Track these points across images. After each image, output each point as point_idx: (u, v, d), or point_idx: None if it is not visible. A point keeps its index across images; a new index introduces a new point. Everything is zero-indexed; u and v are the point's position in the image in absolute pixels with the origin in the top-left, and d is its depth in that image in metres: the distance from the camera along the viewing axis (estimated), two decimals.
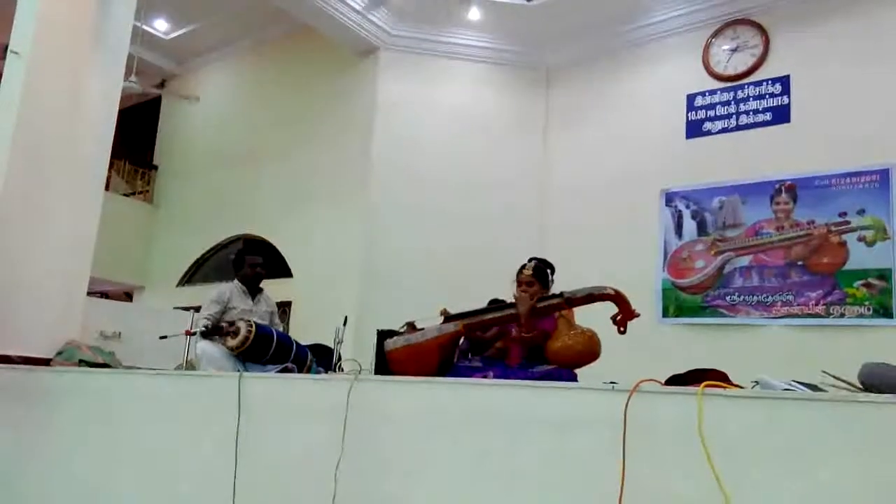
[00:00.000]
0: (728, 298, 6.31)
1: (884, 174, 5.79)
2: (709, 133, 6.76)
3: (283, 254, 8.15)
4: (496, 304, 3.67)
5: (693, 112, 6.88)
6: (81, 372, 3.96)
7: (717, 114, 6.74)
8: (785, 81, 6.44)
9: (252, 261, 4.65)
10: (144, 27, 8.78)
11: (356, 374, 2.90)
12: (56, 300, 4.32)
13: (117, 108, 4.90)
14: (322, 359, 4.36)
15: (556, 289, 3.52)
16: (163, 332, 4.22)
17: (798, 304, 5.96)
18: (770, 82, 6.52)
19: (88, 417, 3.68)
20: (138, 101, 10.34)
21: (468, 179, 7.51)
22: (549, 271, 3.64)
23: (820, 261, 5.95)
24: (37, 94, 4.23)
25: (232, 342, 3.96)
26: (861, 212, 5.84)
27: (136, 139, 10.34)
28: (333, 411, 2.79)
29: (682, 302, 6.54)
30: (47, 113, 4.31)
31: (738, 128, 6.60)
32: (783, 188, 6.23)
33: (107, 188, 5.61)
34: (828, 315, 5.82)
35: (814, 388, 2.21)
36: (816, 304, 5.88)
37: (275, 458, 2.99)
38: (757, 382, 2.33)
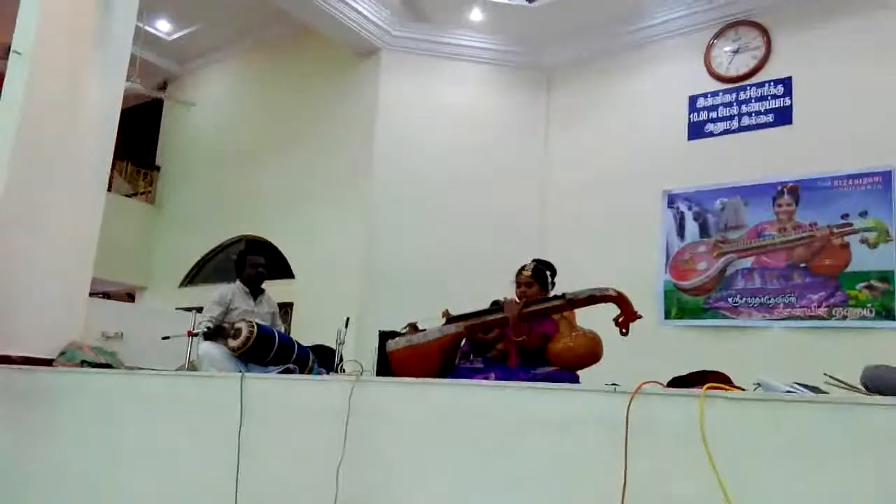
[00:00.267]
0: (730, 300, 6.30)
1: (886, 176, 5.78)
2: (711, 134, 6.76)
3: (284, 255, 8.15)
4: (498, 306, 3.67)
5: (695, 113, 6.88)
6: (83, 372, 3.96)
7: (719, 115, 6.74)
8: (787, 83, 6.43)
9: (254, 261, 4.65)
10: (146, 28, 8.79)
11: (358, 375, 2.90)
12: (58, 301, 4.32)
13: (119, 109, 4.91)
14: (324, 360, 4.36)
15: (557, 290, 3.52)
16: (165, 333, 4.23)
17: (800, 306, 5.95)
18: (772, 84, 6.51)
19: (90, 418, 3.68)
20: (140, 102, 10.35)
21: (469, 180, 7.52)
22: (548, 272, 3.63)
23: (822, 263, 5.94)
24: (39, 94, 4.23)
25: (234, 343, 3.96)
26: (863, 214, 5.84)
27: (139, 140, 10.34)
28: (335, 412, 2.79)
29: (684, 304, 6.54)
30: (49, 113, 4.32)
31: (740, 129, 6.60)
32: (785, 190, 6.23)
33: (109, 189, 5.63)
34: (830, 317, 5.81)
35: (816, 390, 2.21)
36: (818, 307, 5.87)
37: (276, 458, 2.99)
38: (759, 384, 2.33)
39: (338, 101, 8.07)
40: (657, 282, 6.68)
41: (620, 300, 3.11)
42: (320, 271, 7.68)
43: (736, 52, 6.77)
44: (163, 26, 9.30)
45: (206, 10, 8.84)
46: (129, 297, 9.99)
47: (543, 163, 7.74)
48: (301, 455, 2.93)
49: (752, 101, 6.58)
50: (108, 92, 4.78)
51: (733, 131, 6.64)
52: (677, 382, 2.49)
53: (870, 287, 5.69)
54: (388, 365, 3.34)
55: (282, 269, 8.02)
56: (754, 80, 6.62)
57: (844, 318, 5.75)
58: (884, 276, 5.66)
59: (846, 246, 5.86)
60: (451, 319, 3.38)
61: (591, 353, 3.23)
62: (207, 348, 4.16)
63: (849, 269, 5.81)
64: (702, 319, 6.43)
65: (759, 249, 6.27)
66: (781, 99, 6.43)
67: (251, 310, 4.52)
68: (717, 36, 6.89)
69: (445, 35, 7.75)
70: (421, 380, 2.91)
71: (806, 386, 2.21)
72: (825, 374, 2.33)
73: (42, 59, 4.25)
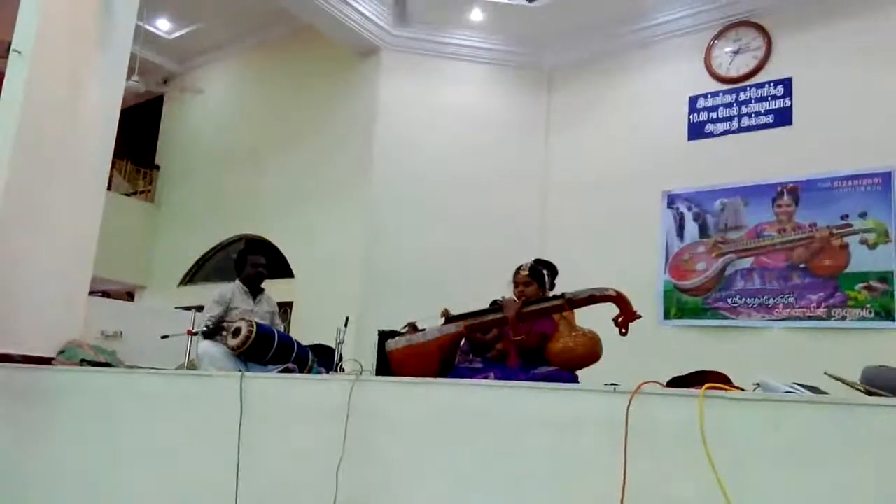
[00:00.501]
0: (729, 300, 6.31)
1: (886, 177, 5.79)
2: (711, 135, 6.76)
3: (284, 254, 8.15)
4: (497, 306, 3.67)
5: (695, 114, 6.89)
6: (83, 371, 3.96)
7: (719, 116, 6.74)
8: (787, 84, 6.44)
9: (254, 261, 4.65)
10: (147, 27, 8.79)
11: (357, 374, 2.89)
12: (58, 299, 4.32)
13: (119, 108, 4.90)
14: (323, 359, 4.37)
15: (556, 290, 3.52)
16: (164, 332, 4.23)
17: (799, 307, 5.95)
18: (772, 84, 6.52)
19: (90, 417, 3.68)
20: (140, 101, 10.35)
21: (469, 180, 7.52)
22: (545, 272, 3.63)
23: (822, 263, 5.94)
24: (39, 93, 4.23)
25: (233, 342, 3.96)
26: (863, 214, 5.84)
27: (139, 139, 10.34)
28: (334, 412, 2.79)
29: (683, 304, 6.54)
30: (49, 112, 4.31)
31: (740, 130, 6.61)
32: (785, 190, 6.23)
33: (109, 188, 5.62)
34: (829, 318, 5.82)
35: (815, 390, 2.21)
36: (818, 307, 5.88)
37: (276, 458, 2.99)
38: (758, 385, 2.33)
39: (338, 101, 8.07)
40: (657, 282, 6.68)
41: (620, 300, 3.11)
42: (320, 271, 7.68)
43: (736, 52, 6.77)
44: (163, 25, 9.30)
45: (207, 9, 8.84)
46: (129, 295, 9.99)
47: (543, 163, 7.74)
48: (300, 454, 2.93)
49: (753, 101, 6.59)
50: (108, 91, 4.78)
51: (733, 132, 6.64)
52: (677, 382, 2.49)
53: (869, 288, 5.70)
54: (388, 364, 3.34)
55: (281, 269, 8.02)
56: (754, 80, 6.63)
57: (844, 318, 5.76)
58: (883, 277, 5.66)
59: (846, 247, 5.87)
60: (450, 319, 3.38)
61: (591, 353, 3.23)
62: (207, 347, 4.16)
63: (848, 269, 5.82)
64: (701, 320, 6.43)
65: (759, 250, 6.27)
66: (781, 100, 6.44)
67: (251, 309, 4.51)
68: (718, 36, 6.89)
69: (446, 35, 7.75)
70: (420, 379, 2.91)
71: (805, 386, 2.21)
72: (825, 373, 2.33)
73: (42, 58, 4.24)
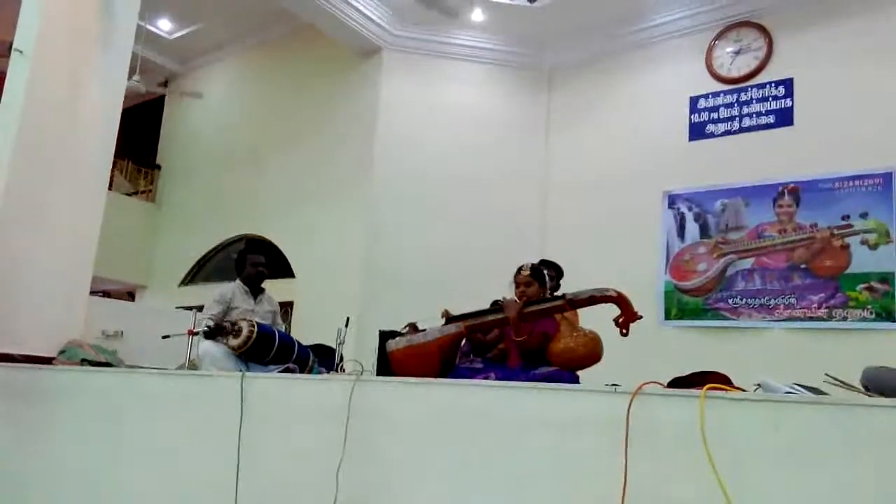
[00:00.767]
0: (730, 301, 6.30)
1: (887, 177, 5.79)
2: (712, 135, 6.76)
3: (285, 254, 8.16)
4: (498, 306, 3.67)
5: (696, 114, 6.88)
6: (83, 371, 3.96)
7: (720, 116, 6.74)
8: (788, 84, 6.44)
9: (254, 260, 4.65)
10: (148, 27, 8.79)
11: (358, 374, 2.90)
12: (58, 299, 4.32)
13: (121, 108, 4.91)
14: (324, 359, 4.37)
15: (560, 290, 3.52)
16: (165, 332, 4.22)
17: (800, 308, 5.95)
18: (773, 85, 6.52)
19: (90, 416, 3.68)
20: (141, 101, 10.35)
21: (470, 180, 7.52)
22: (546, 272, 3.63)
23: (822, 264, 5.94)
24: (40, 92, 4.23)
25: (234, 342, 3.96)
26: (864, 215, 5.84)
27: (140, 139, 10.35)
28: (335, 412, 2.79)
29: (684, 304, 6.54)
30: (51, 112, 4.31)
31: (741, 130, 6.60)
32: (786, 191, 6.23)
33: (110, 187, 5.63)
34: (830, 318, 5.81)
35: (816, 391, 2.21)
36: (819, 308, 5.87)
37: (276, 457, 2.99)
38: (759, 385, 2.33)
39: (339, 101, 8.07)
40: (657, 282, 6.68)
41: (621, 300, 3.11)
42: (321, 271, 7.69)
43: (737, 53, 6.77)
44: (164, 25, 9.31)
45: (208, 9, 8.85)
46: (130, 295, 10.00)
47: (544, 163, 7.74)
48: (301, 454, 2.93)
49: (754, 102, 6.59)
50: (109, 91, 4.78)
51: (734, 132, 6.64)
52: (677, 383, 2.49)
53: (870, 288, 5.70)
54: (388, 364, 3.34)
55: (282, 269, 8.02)
56: (755, 81, 6.63)
57: (845, 319, 5.75)
58: (884, 278, 5.66)
59: (846, 247, 5.87)
60: (450, 319, 3.38)
61: (592, 353, 3.23)
62: (208, 347, 4.15)
63: (849, 270, 5.82)
64: (702, 320, 6.43)
65: (760, 250, 6.27)
66: (782, 100, 6.44)
67: (251, 309, 4.51)
68: (719, 37, 6.89)
69: (447, 35, 7.75)
70: (421, 380, 2.91)
71: (806, 387, 2.21)
72: (826, 375, 2.33)
73: (43, 58, 4.25)
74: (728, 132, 6.67)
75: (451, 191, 7.48)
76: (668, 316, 6.59)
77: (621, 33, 7.39)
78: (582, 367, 3.25)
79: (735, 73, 6.75)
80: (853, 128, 6.01)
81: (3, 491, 3.80)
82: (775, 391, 2.18)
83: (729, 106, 6.71)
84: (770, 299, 6.11)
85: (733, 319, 6.26)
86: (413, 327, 3.42)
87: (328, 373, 4.10)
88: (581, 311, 3.52)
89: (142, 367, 4.07)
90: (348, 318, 4.31)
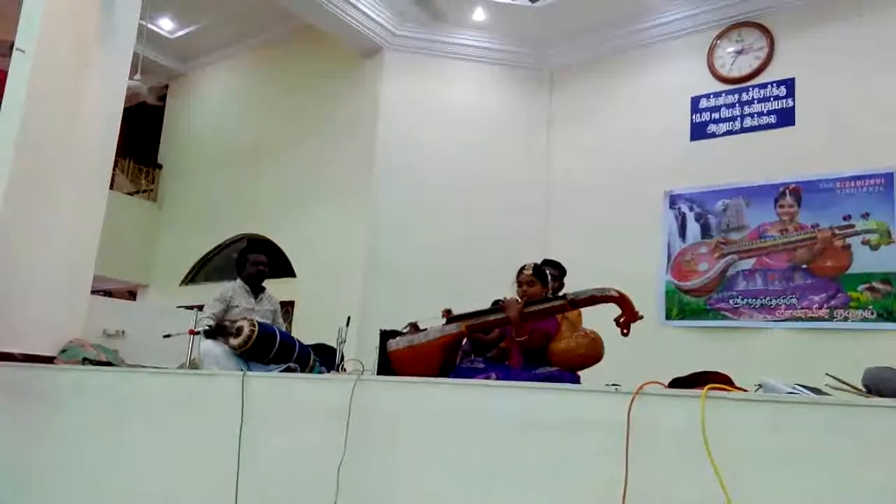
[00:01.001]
0: (731, 301, 6.30)
1: (888, 178, 5.78)
2: (713, 135, 6.76)
3: (286, 253, 8.16)
4: (499, 306, 3.67)
5: (697, 114, 6.88)
6: (85, 370, 3.97)
7: (722, 116, 6.73)
8: (789, 84, 6.43)
9: (254, 260, 4.65)
10: (149, 26, 8.80)
11: (359, 374, 2.90)
12: (60, 298, 4.33)
13: (122, 107, 4.91)
14: (325, 358, 4.37)
15: (564, 290, 3.52)
16: (166, 331, 4.23)
17: (801, 308, 5.95)
18: (775, 85, 6.51)
19: (91, 415, 3.69)
20: (143, 100, 10.34)
21: (471, 180, 7.52)
22: (549, 271, 3.64)
23: (824, 264, 5.94)
24: (42, 92, 4.24)
25: (235, 341, 3.96)
26: (865, 215, 5.84)
27: (141, 138, 10.35)
28: (336, 411, 2.79)
29: (685, 304, 6.53)
30: (52, 111, 4.32)
31: (743, 130, 6.60)
32: (787, 191, 6.23)
33: (111, 187, 5.62)
34: (831, 319, 5.81)
35: (817, 391, 2.21)
36: (820, 308, 5.87)
37: (277, 457, 3.00)
38: (760, 385, 2.33)
39: (340, 100, 8.07)
40: (658, 282, 6.68)
41: (622, 300, 3.11)
42: (322, 270, 7.69)
43: (739, 53, 6.76)
44: (165, 24, 9.31)
45: (209, 8, 8.85)
46: (131, 294, 10.00)
47: (545, 163, 7.74)
48: (302, 454, 2.94)
49: (755, 102, 6.58)
50: (110, 90, 4.79)
51: (736, 132, 6.64)
52: (678, 383, 2.49)
53: (871, 289, 5.69)
54: (389, 364, 3.34)
55: (283, 268, 8.02)
56: (757, 81, 6.62)
57: (846, 319, 5.75)
58: (885, 278, 5.65)
59: (848, 247, 5.86)
60: (451, 319, 3.38)
61: (593, 353, 3.23)
62: (209, 346, 4.16)
63: (850, 270, 5.81)
64: (703, 320, 6.42)
65: (761, 250, 6.27)
66: (784, 100, 6.43)
67: (252, 308, 4.52)
68: (720, 37, 6.88)
69: (448, 35, 7.75)
70: (422, 379, 2.92)
71: (807, 387, 2.21)
72: (827, 375, 2.33)
73: (45, 57, 4.25)
74: (729, 132, 6.67)
75: (451, 191, 7.48)
76: (669, 316, 6.58)
77: (623, 33, 7.39)
78: (583, 367, 3.25)
79: (736, 73, 6.74)
80: (855, 128, 6.01)
81: (4, 490, 3.81)
82: (776, 391, 2.18)
83: (730, 106, 6.71)
84: (771, 299, 6.10)
85: (734, 319, 6.26)
86: (414, 327, 3.42)
87: (329, 372, 4.10)
88: (583, 311, 3.52)
89: (143, 367, 4.08)
90: (349, 318, 4.31)
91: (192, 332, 4.18)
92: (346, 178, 7.74)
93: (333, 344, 4.27)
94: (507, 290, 3.65)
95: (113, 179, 7.84)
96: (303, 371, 4.04)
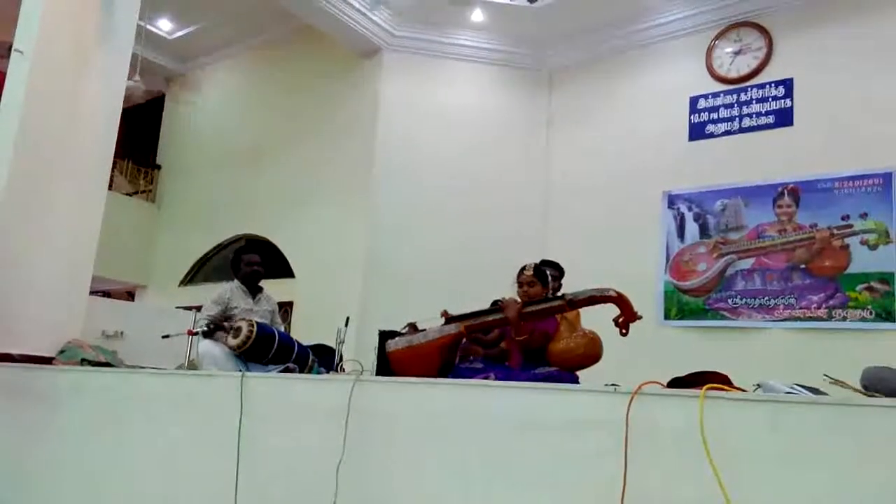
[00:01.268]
0: (730, 301, 6.30)
1: (887, 178, 5.79)
2: (711, 135, 6.76)
3: (285, 254, 8.16)
4: (498, 306, 3.67)
5: (696, 114, 6.88)
6: (83, 371, 3.96)
7: (720, 116, 6.74)
8: (788, 84, 6.44)
9: (248, 260, 4.65)
10: (148, 27, 8.79)
11: (358, 374, 2.90)
12: (58, 299, 4.32)
13: (121, 108, 4.91)
14: (324, 359, 4.37)
15: (561, 290, 3.52)
16: (165, 332, 4.23)
17: (800, 308, 5.95)
18: (773, 85, 6.52)
19: (90, 416, 3.68)
20: (142, 100, 10.34)
21: (470, 181, 7.52)
22: (549, 272, 3.64)
23: (822, 264, 5.94)
24: (40, 93, 4.23)
25: (233, 342, 3.96)
26: (864, 215, 5.84)
27: (140, 139, 10.34)
28: (335, 412, 2.79)
29: (683, 304, 6.54)
30: (51, 112, 4.32)
31: (741, 130, 6.60)
32: (786, 191, 6.23)
33: (110, 187, 5.63)
34: (830, 318, 5.81)
35: (816, 391, 2.21)
36: (818, 308, 5.87)
37: (276, 457, 3.00)
38: (759, 385, 2.33)
39: (339, 101, 8.07)
40: (657, 282, 6.68)
41: (620, 301, 3.11)
42: (320, 271, 7.69)
43: (737, 53, 6.77)
44: (164, 25, 9.30)
45: (208, 9, 8.84)
46: (129, 295, 9.99)
47: (544, 163, 7.74)
48: (301, 454, 2.94)
49: (753, 102, 6.59)
50: (109, 91, 4.79)
51: (734, 132, 6.64)
52: (677, 383, 2.49)
53: (870, 289, 5.70)
54: (388, 364, 3.34)
55: (282, 269, 8.02)
56: (755, 81, 6.62)
57: (844, 319, 5.75)
58: (884, 278, 5.66)
59: (846, 247, 5.87)
60: (450, 319, 3.38)
61: (591, 353, 3.23)
62: (207, 347, 4.16)
63: (849, 270, 5.82)
64: (702, 320, 6.43)
65: (760, 250, 6.27)
66: (782, 100, 6.43)
67: (250, 308, 4.52)
68: (719, 37, 6.89)
69: (447, 35, 7.75)
70: (421, 380, 2.92)
71: (806, 387, 2.21)
72: (825, 375, 2.33)
73: (43, 58, 4.25)
74: (728, 132, 6.67)
75: (450, 191, 7.48)
76: (667, 316, 6.59)
77: (621, 34, 7.39)
78: (581, 368, 3.26)
79: (735, 74, 6.75)
80: (853, 128, 6.01)
81: (4, 491, 3.81)
82: (775, 391, 2.18)
83: (729, 106, 6.71)
84: (770, 299, 6.11)
85: (733, 319, 6.26)
86: (413, 327, 3.42)
87: (328, 373, 4.10)
88: (582, 312, 3.52)
89: (142, 367, 4.08)
90: (348, 318, 4.31)
91: (191, 333, 4.18)
92: (344, 178, 7.74)
93: (332, 344, 4.27)
94: (506, 291, 3.65)
95: (111, 180, 7.84)
96: (301, 371, 4.04)
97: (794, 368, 3.80)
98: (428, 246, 7.29)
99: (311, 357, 4.21)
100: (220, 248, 9.02)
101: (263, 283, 4.75)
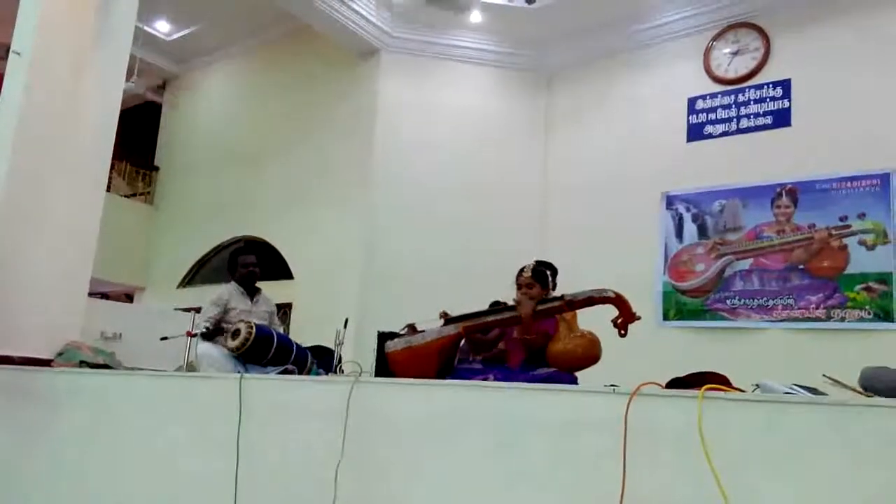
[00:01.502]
0: (728, 302, 6.31)
1: (885, 178, 5.79)
2: (710, 136, 6.77)
3: (283, 255, 8.15)
4: (497, 307, 3.67)
5: (694, 115, 6.89)
6: (82, 373, 3.96)
7: (718, 117, 6.74)
8: (786, 85, 6.44)
9: (244, 261, 4.65)
10: (146, 28, 8.79)
11: (357, 375, 2.90)
12: (57, 301, 4.32)
13: (119, 109, 4.91)
14: (322, 360, 4.36)
15: (556, 291, 3.52)
16: (163, 334, 4.22)
17: (798, 308, 5.96)
18: (771, 86, 6.52)
19: (89, 418, 3.68)
20: (139, 102, 10.35)
21: (469, 181, 7.52)
22: (548, 273, 3.64)
23: (820, 264, 5.95)
24: (38, 94, 4.23)
25: (232, 343, 3.96)
26: (862, 215, 5.85)
27: (138, 140, 10.34)
28: (334, 413, 2.79)
29: (682, 305, 6.54)
30: (48, 114, 4.32)
31: (739, 131, 6.61)
32: (784, 192, 6.24)
33: (108, 189, 5.62)
34: (828, 319, 5.82)
35: (814, 391, 2.21)
36: (817, 308, 5.88)
37: (275, 459, 2.99)
38: (758, 386, 2.33)
39: (337, 103, 8.07)
40: (656, 283, 6.69)
41: (619, 301, 3.11)
42: (319, 272, 7.68)
43: (735, 54, 6.78)
44: (162, 27, 9.30)
45: (206, 10, 8.85)
46: (128, 297, 9.98)
47: (543, 164, 7.74)
48: (300, 455, 2.93)
49: (751, 103, 6.59)
50: (107, 92, 4.78)
51: (732, 133, 6.65)
52: (676, 384, 2.49)
53: (868, 289, 5.70)
54: (387, 366, 3.34)
55: (281, 270, 8.01)
56: (753, 82, 6.63)
57: (843, 319, 5.76)
58: (882, 278, 5.66)
59: (844, 248, 5.87)
60: (449, 320, 3.38)
61: (590, 354, 3.23)
62: (206, 349, 4.15)
63: (847, 270, 5.82)
64: (700, 321, 6.43)
65: (758, 251, 6.28)
66: (780, 101, 6.44)
67: (248, 309, 4.52)
68: (717, 38, 6.90)
69: (445, 37, 7.75)
70: (420, 381, 2.91)
71: (804, 387, 2.21)
72: (824, 376, 2.33)
73: (41, 60, 4.25)
74: (726, 133, 6.68)
75: (449, 192, 7.48)
76: (666, 317, 6.59)
77: (619, 35, 7.40)
78: (580, 369, 3.25)
79: (733, 74, 6.76)
80: (851, 129, 6.02)
81: (3, 491, 3.80)
82: (774, 392, 2.18)
83: (727, 107, 6.72)
84: (768, 300, 6.11)
85: (732, 320, 6.27)
86: (412, 328, 3.41)
87: (327, 374, 4.10)
88: (579, 312, 3.51)
89: (140, 369, 4.07)
90: (347, 320, 4.30)
91: (189, 335, 4.18)
92: (343, 179, 7.74)
93: (331, 346, 4.26)
94: (505, 291, 3.65)
95: (109, 182, 7.85)
96: (300, 373, 4.04)
97: (792, 369, 3.79)
98: (427, 247, 7.29)
99: (309, 358, 4.21)
100: (218, 249, 9.02)
101: (261, 285, 4.74)
